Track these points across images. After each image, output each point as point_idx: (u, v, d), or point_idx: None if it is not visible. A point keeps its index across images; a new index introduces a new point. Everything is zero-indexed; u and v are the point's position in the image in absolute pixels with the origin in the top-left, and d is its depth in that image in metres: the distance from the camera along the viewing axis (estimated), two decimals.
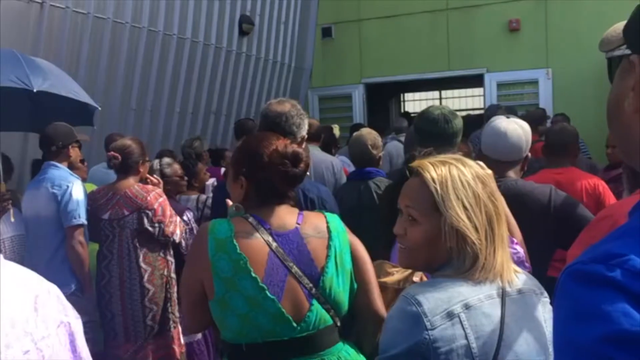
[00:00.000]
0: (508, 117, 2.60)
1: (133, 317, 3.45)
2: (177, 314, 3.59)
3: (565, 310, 0.64)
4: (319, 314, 1.76)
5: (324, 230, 1.80)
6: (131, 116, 6.21)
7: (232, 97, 7.82)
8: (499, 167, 2.47)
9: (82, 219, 3.43)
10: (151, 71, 6.35)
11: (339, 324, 1.82)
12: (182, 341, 3.67)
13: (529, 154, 2.59)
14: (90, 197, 3.58)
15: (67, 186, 3.44)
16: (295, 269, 1.73)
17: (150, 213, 3.43)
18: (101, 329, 3.56)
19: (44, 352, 1.00)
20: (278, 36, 8.58)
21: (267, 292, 1.70)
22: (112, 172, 3.89)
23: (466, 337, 1.25)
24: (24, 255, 3.50)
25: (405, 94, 14.67)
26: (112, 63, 5.82)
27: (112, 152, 3.51)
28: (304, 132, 2.47)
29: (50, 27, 5.07)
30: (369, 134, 3.71)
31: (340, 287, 1.78)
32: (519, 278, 1.39)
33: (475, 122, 7.59)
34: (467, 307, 1.27)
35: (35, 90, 3.50)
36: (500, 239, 1.36)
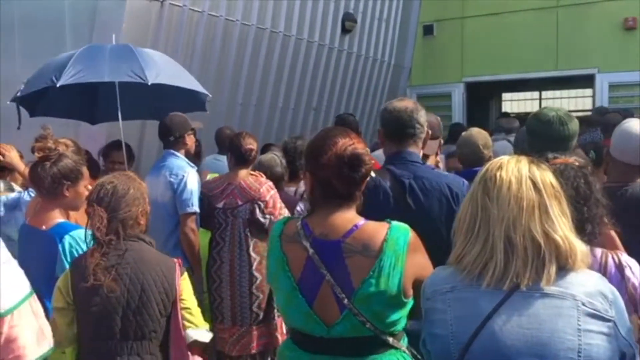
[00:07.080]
0: None
1: (241, 302, 3.60)
2: None
3: None
4: (353, 323, 1.76)
5: (374, 250, 1.76)
6: (237, 111, 6.44)
7: (332, 93, 7.90)
8: (627, 170, 2.36)
9: (195, 207, 3.63)
10: (257, 67, 6.55)
11: (384, 336, 1.79)
12: (284, 330, 3.77)
13: None
14: (205, 187, 3.76)
15: (183, 176, 3.64)
16: (329, 277, 1.77)
17: (262, 204, 3.56)
18: (208, 311, 3.72)
19: None
20: (379, 34, 8.58)
21: (299, 291, 1.81)
22: (224, 163, 4.06)
23: (446, 312, 1.46)
24: None
25: (504, 94, 14.20)
26: (222, 59, 6.06)
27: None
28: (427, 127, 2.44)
29: (169, 23, 5.36)
30: (479, 134, 3.66)
31: (379, 307, 1.76)
32: (562, 282, 1.39)
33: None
34: (453, 289, 1.46)
35: (149, 84, 3.67)
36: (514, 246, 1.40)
